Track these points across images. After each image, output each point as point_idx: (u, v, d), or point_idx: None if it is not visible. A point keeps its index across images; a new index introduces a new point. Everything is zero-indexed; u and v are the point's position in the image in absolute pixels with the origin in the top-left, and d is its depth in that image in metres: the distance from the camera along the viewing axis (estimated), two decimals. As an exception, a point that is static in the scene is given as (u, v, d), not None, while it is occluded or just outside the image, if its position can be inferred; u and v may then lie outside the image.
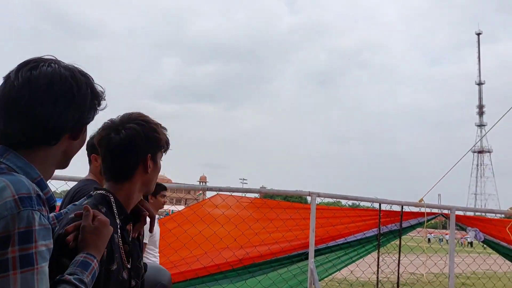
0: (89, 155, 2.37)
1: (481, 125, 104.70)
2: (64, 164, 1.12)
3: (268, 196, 6.24)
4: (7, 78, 1.01)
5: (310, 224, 4.36)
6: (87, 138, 1.18)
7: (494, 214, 5.37)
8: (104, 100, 1.14)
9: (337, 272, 4.76)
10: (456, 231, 4.86)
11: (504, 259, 4.99)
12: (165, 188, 3.76)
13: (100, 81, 1.14)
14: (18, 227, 0.86)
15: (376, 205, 4.71)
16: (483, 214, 5.50)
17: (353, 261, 4.74)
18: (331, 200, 4.79)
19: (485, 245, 5.04)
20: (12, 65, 1.04)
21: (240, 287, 4.21)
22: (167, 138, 1.36)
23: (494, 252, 5.01)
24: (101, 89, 1.13)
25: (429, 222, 4.87)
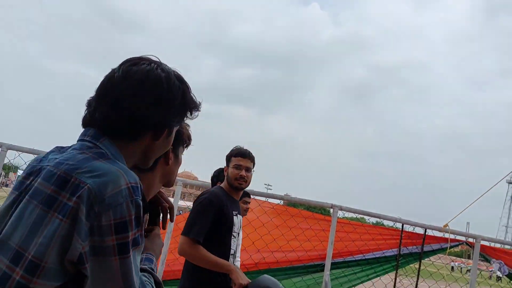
0: None
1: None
2: (144, 164, 1.13)
3: (290, 204, 6.24)
4: (112, 71, 1.09)
5: (329, 236, 4.34)
6: None
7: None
8: (198, 110, 1.16)
9: (352, 288, 4.70)
10: (480, 262, 4.72)
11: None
12: (248, 195, 3.74)
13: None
14: (130, 214, 0.91)
15: (399, 225, 4.64)
16: (510, 247, 5.30)
17: (369, 279, 4.68)
18: (353, 215, 4.75)
19: (510, 280, 4.87)
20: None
21: (253, 290, 4.23)
22: (189, 133, 1.38)
23: (518, 287, 4.83)
24: (196, 100, 1.15)
25: (451, 249, 4.74)
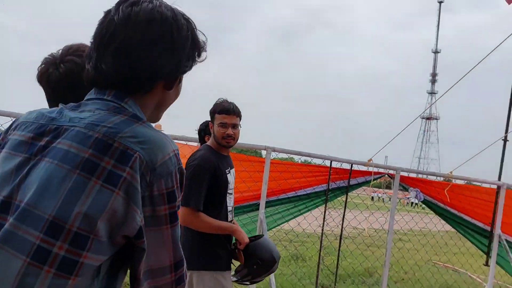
0: None
1: (432, 93, 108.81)
2: (155, 118, 1.04)
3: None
4: (107, 12, 0.94)
5: (263, 176, 4.47)
6: None
7: (435, 177, 5.74)
8: (205, 51, 1.03)
9: (285, 223, 4.96)
10: (398, 191, 5.16)
11: (440, 218, 5.40)
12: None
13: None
14: (178, 182, 0.89)
15: (328, 162, 4.88)
16: (425, 176, 5.84)
17: (301, 213, 4.96)
18: (285, 155, 4.90)
19: (423, 205, 5.42)
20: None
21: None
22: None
23: (431, 212, 5.40)
24: (203, 38, 1.02)
25: (375, 181, 5.12)
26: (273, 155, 4.63)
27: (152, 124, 0.97)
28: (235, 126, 2.58)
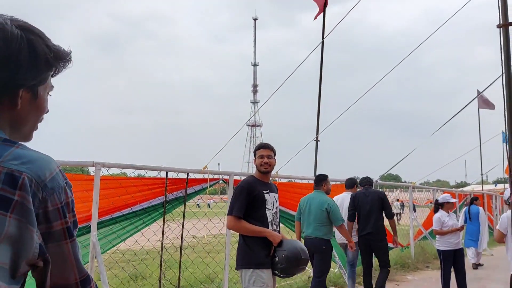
0: None
1: (254, 102, 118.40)
2: (19, 137, 0.95)
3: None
4: None
5: (93, 195, 4.10)
6: None
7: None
8: (65, 61, 0.97)
9: (121, 243, 4.65)
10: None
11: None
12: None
13: None
14: (69, 197, 0.91)
15: (163, 174, 4.78)
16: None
17: (139, 230, 4.72)
18: (117, 171, 4.60)
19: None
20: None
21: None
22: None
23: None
24: (59, 49, 0.95)
25: (211, 187, 5.24)
26: (103, 171, 4.30)
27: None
28: (270, 156, 3.50)
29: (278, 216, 3.48)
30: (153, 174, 4.90)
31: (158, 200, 4.80)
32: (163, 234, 4.73)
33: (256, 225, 3.22)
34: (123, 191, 4.51)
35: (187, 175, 4.94)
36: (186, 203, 5.07)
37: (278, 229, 3.43)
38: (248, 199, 3.25)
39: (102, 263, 4.11)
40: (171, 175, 4.82)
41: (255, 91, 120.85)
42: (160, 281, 4.77)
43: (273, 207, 3.40)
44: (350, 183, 6.49)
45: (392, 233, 6.14)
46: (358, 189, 6.26)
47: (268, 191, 3.41)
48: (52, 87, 1.01)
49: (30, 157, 0.86)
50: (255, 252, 3.17)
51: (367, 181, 6.22)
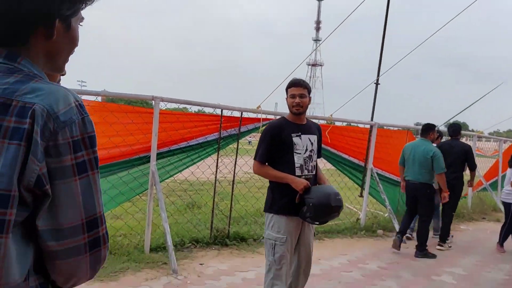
0: None
1: (317, 40, 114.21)
2: (52, 69, 0.97)
3: (109, 100, 5.90)
4: None
5: (153, 128, 4.34)
6: None
7: (317, 120, 6.16)
8: None
9: (178, 174, 4.96)
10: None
11: (321, 158, 5.88)
12: None
13: None
14: (86, 132, 0.87)
15: (219, 111, 4.92)
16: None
17: (194, 163, 4.99)
18: (175, 105, 4.79)
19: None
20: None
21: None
22: None
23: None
24: None
25: (264, 127, 5.33)
26: (162, 105, 4.50)
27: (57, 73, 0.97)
28: (302, 95, 3.06)
29: (314, 160, 3.14)
30: (208, 111, 5.05)
31: (213, 136, 4.99)
32: (216, 168, 4.97)
33: (280, 171, 2.99)
34: (180, 126, 4.72)
35: (241, 114, 5.04)
36: (240, 141, 5.23)
37: (313, 173, 3.12)
38: (272, 143, 3.01)
39: (161, 190, 4.44)
40: (225, 112, 4.94)
41: (317, 28, 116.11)
42: (213, 211, 5.09)
43: (306, 150, 3.07)
44: (426, 129, 6.10)
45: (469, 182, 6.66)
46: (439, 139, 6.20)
47: (299, 133, 3.07)
48: (83, 18, 0.99)
49: (47, 89, 0.85)
50: (276, 199, 3.02)
51: (453, 131, 6.23)
